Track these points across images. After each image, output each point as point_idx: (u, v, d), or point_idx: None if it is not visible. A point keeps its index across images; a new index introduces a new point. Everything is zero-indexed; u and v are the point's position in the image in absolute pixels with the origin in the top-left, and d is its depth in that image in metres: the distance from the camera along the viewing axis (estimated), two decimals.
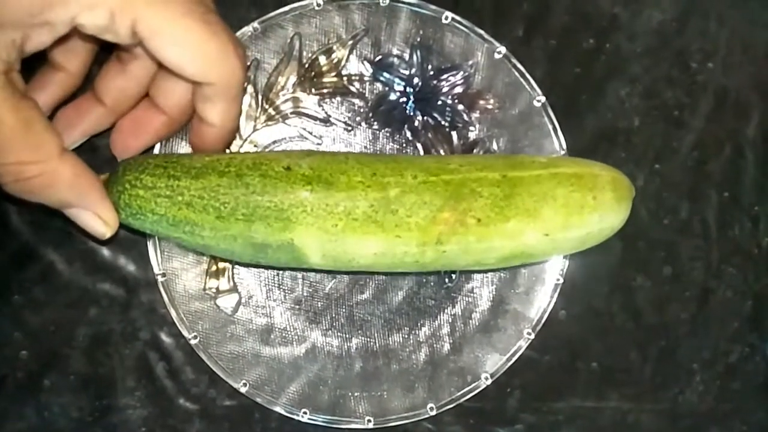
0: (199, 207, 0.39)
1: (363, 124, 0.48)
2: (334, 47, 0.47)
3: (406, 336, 0.48)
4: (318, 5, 0.45)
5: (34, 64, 0.38)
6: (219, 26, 0.36)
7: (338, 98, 0.48)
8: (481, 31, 0.45)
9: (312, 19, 0.45)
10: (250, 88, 0.46)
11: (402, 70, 0.47)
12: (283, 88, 0.47)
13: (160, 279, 0.44)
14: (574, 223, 0.41)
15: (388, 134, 0.48)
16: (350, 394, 0.46)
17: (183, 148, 0.44)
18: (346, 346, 0.48)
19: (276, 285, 0.47)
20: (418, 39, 0.46)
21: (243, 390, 0.45)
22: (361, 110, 0.48)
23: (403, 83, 0.47)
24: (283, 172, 0.39)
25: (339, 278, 0.48)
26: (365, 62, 0.47)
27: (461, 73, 0.47)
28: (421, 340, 0.48)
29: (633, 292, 0.50)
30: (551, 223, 0.41)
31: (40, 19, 0.33)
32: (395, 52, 0.47)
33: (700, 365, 0.50)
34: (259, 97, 0.47)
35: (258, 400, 0.45)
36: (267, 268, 0.47)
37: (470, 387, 0.46)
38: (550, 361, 0.49)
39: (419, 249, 0.40)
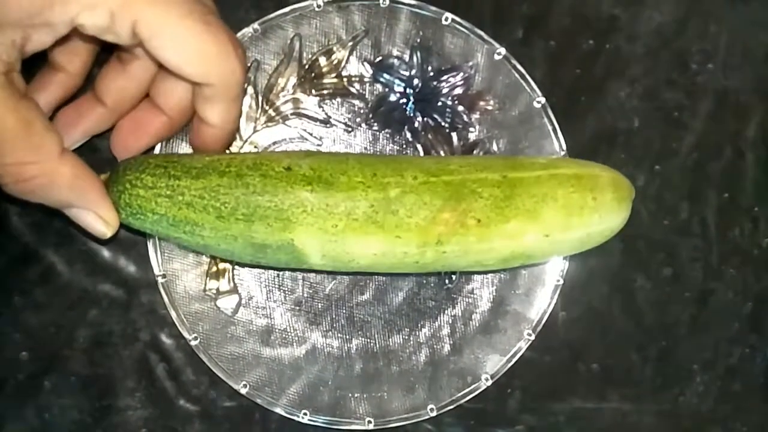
0: (199, 207, 0.39)
1: (363, 125, 0.48)
2: (334, 48, 0.47)
3: (407, 337, 0.48)
4: (318, 6, 0.45)
5: (34, 65, 0.38)
6: (219, 27, 0.37)
7: (338, 99, 0.48)
8: (481, 32, 0.45)
9: (312, 20, 0.45)
10: (250, 90, 0.46)
11: (402, 71, 0.47)
12: (283, 89, 0.47)
13: (160, 280, 0.44)
14: (574, 224, 0.41)
15: (388, 135, 0.48)
16: (350, 395, 0.46)
17: (183, 148, 0.44)
18: (346, 347, 0.48)
19: (276, 286, 0.47)
20: (418, 40, 0.46)
21: (243, 391, 0.45)
22: (361, 111, 0.48)
23: (403, 84, 0.47)
24: (284, 172, 0.39)
25: (339, 279, 0.48)
26: (365, 63, 0.47)
27: (461, 74, 0.47)
28: (421, 341, 0.48)
29: (633, 293, 0.50)
30: (551, 223, 0.41)
31: (40, 19, 0.33)
32: (395, 53, 0.47)
33: (700, 366, 0.50)
34: (260, 99, 0.47)
35: (258, 401, 0.45)
36: (267, 268, 0.47)
37: (470, 388, 0.46)
38: (550, 362, 0.49)
39: (419, 249, 0.40)
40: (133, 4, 0.34)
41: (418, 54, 0.47)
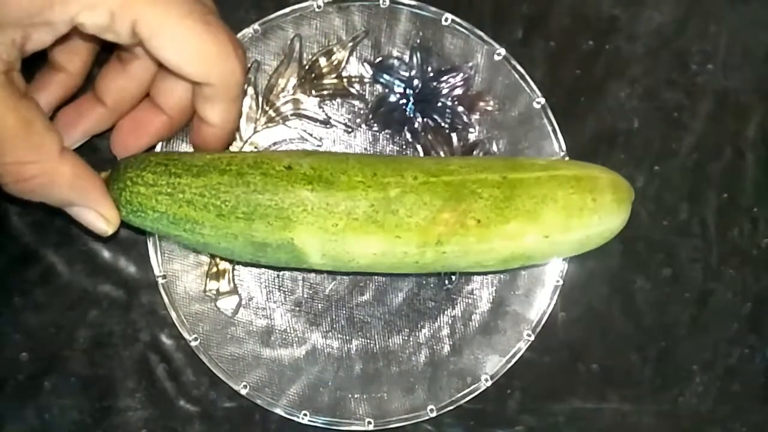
0: (199, 205, 0.39)
1: (363, 125, 0.48)
2: (335, 49, 0.47)
3: (406, 337, 0.48)
4: (318, 7, 0.45)
5: (34, 65, 0.38)
6: (219, 27, 0.37)
7: (338, 100, 0.48)
8: (481, 33, 0.46)
9: (312, 20, 0.46)
10: (250, 90, 0.46)
11: (402, 72, 0.47)
12: (283, 89, 0.47)
13: (160, 281, 0.44)
14: (573, 225, 0.41)
15: (388, 136, 0.48)
16: (350, 395, 0.46)
17: (184, 148, 0.45)
18: (346, 348, 0.48)
19: (276, 287, 0.47)
20: (418, 41, 0.46)
21: (243, 392, 0.44)
22: (361, 112, 0.48)
23: (403, 85, 0.47)
24: (284, 171, 0.39)
25: (339, 280, 0.48)
26: (365, 64, 0.47)
27: (461, 74, 0.47)
28: (421, 341, 0.48)
29: (633, 294, 0.50)
30: (551, 224, 0.41)
31: (40, 18, 0.33)
32: (395, 53, 0.47)
33: (699, 366, 0.50)
34: (260, 99, 0.47)
35: (258, 401, 0.45)
36: (267, 268, 0.47)
37: (470, 388, 0.46)
38: (550, 362, 0.49)
39: (419, 249, 0.40)
40: (133, 4, 0.34)
41: (418, 55, 0.47)
